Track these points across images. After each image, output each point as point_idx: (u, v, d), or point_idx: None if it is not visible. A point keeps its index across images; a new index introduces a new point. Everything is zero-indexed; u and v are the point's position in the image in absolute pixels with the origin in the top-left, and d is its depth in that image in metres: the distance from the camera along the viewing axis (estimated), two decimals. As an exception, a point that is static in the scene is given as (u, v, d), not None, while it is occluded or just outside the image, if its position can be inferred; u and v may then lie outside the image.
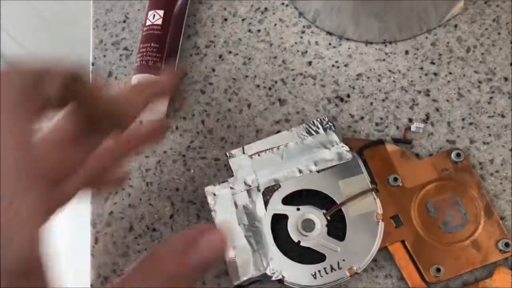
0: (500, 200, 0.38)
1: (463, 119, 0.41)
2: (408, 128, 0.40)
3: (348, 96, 0.42)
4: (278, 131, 0.41)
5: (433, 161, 0.38)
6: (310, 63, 0.44)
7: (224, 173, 0.41)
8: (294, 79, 0.43)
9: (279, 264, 0.35)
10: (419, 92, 0.42)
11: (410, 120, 0.41)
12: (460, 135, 0.40)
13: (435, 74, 0.42)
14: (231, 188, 0.37)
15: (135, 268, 0.22)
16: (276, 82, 0.43)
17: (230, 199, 0.37)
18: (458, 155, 0.38)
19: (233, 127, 0.42)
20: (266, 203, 0.37)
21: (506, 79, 0.41)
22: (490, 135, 0.40)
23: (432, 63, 0.42)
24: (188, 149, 0.42)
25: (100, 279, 0.38)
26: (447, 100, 0.41)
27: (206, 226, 0.31)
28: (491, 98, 0.41)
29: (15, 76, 0.16)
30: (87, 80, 0.20)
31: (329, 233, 0.36)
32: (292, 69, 0.44)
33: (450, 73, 0.42)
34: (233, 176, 0.38)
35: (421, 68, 0.43)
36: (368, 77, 0.43)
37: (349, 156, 0.37)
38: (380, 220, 0.36)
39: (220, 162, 0.41)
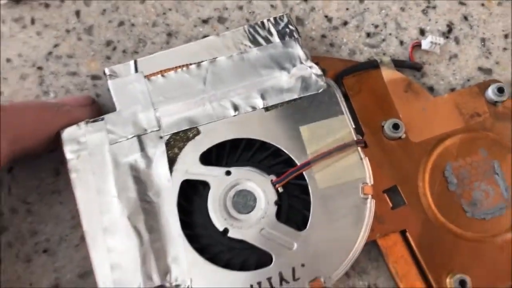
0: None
1: (506, 36, 0.34)
2: (417, 45, 0.34)
3: (325, -15, 0.35)
4: (205, 37, 0.33)
5: (457, 100, 0.32)
6: None
7: (108, 104, 0.32)
8: None
9: (188, 270, 0.26)
10: (439, -14, 0.35)
11: (422, 32, 0.34)
12: (502, 59, 0.33)
13: (466, -42, 0.35)
14: (110, 132, 0.27)
15: None
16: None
17: (105, 151, 0.27)
18: (499, 90, 0.31)
19: (129, 24, 0.34)
20: (172, 161, 0.27)
21: None
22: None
23: None
24: (49, 57, 0.33)
25: None
26: (482, 4, 0.35)
27: None
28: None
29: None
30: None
31: (280, 216, 0.27)
32: None
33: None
34: (114, 111, 0.29)
35: None
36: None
37: (321, 84, 0.29)
38: (369, 196, 0.27)
39: (102, 82, 0.32)
